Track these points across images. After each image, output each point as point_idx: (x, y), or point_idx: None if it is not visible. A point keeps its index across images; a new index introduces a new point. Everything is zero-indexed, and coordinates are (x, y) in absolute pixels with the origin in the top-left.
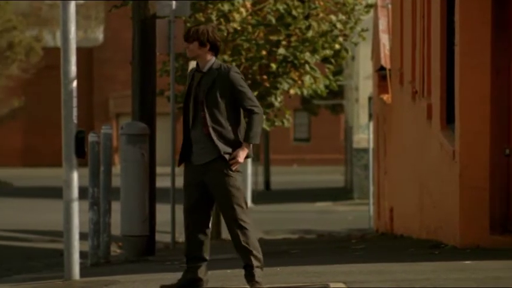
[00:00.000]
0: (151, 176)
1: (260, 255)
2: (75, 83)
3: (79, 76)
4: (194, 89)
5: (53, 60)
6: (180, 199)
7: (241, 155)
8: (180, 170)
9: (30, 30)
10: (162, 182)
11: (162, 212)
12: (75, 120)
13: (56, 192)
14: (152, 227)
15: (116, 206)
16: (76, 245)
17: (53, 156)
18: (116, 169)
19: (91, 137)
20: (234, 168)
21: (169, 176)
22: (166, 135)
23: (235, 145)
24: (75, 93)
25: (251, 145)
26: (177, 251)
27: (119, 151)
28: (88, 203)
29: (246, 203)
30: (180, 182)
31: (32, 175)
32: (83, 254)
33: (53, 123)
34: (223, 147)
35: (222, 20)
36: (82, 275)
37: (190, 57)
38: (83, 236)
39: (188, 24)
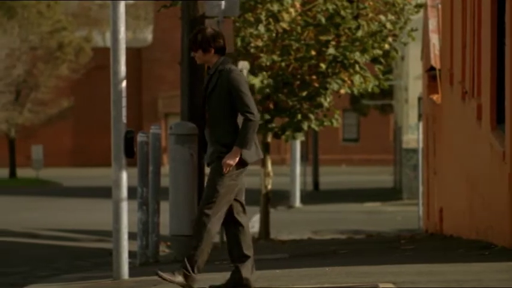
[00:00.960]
0: (200, 176)
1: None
2: (124, 83)
3: (128, 76)
4: (204, 90)
5: (102, 60)
6: None
7: (229, 158)
8: None
9: (79, 31)
10: None
11: None
12: (124, 120)
13: (105, 192)
14: None
15: (164, 206)
16: (125, 245)
17: (101, 156)
18: (165, 169)
19: (140, 137)
20: (224, 171)
21: None
22: None
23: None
24: (124, 93)
25: (244, 150)
26: (225, 250)
27: (167, 151)
28: (137, 203)
29: (213, 204)
30: None
31: (80, 175)
32: (131, 254)
33: (102, 123)
34: (220, 149)
35: (271, 20)
36: (131, 274)
37: (199, 63)
38: (131, 236)
39: (237, 24)
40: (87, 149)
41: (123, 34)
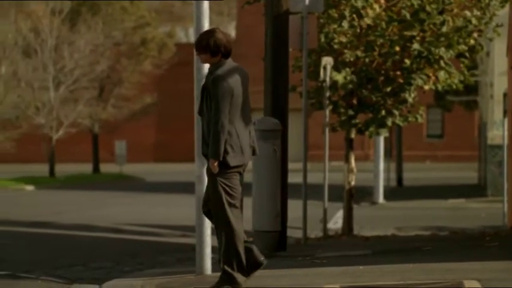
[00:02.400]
0: (283, 171)
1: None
2: None
3: None
4: (202, 89)
5: (185, 56)
6: (312, 195)
7: (211, 165)
8: (312, 166)
9: (163, 27)
10: (294, 178)
11: (294, 208)
12: None
13: (188, 188)
14: (284, 222)
15: (247, 202)
16: (208, 240)
17: (184, 151)
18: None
19: None
20: (214, 173)
21: (301, 171)
22: (298, 131)
23: None
24: None
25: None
26: (308, 246)
27: None
28: None
29: (223, 205)
30: (312, 178)
31: (163, 170)
32: (214, 249)
33: (185, 119)
34: (205, 149)
35: (355, 16)
36: (214, 269)
37: (202, 63)
38: (214, 231)
39: (321, 20)
40: (169, 145)
41: None
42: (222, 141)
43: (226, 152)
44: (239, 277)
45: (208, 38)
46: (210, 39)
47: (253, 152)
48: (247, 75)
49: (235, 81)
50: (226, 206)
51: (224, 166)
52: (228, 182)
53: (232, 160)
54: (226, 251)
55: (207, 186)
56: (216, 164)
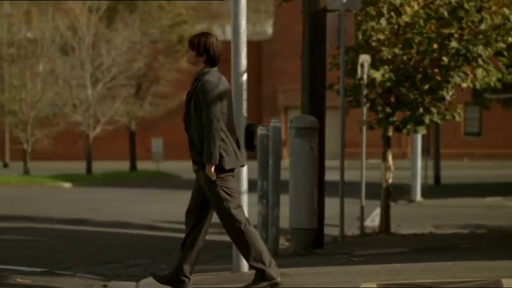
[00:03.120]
0: (320, 169)
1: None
2: (245, 77)
3: (248, 69)
4: (186, 96)
5: (222, 53)
6: (349, 192)
7: (207, 172)
8: (349, 164)
9: (200, 24)
10: (331, 176)
11: (331, 205)
12: (244, 114)
13: None
14: (321, 220)
15: (284, 199)
16: None
17: None
18: (285, 162)
19: (260, 130)
20: (212, 179)
21: (338, 169)
22: (335, 129)
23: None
24: (245, 87)
25: (223, 158)
26: (345, 244)
27: (287, 144)
28: (257, 196)
29: (228, 208)
30: (349, 175)
31: None
32: None
33: None
34: (196, 157)
35: (393, 13)
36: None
37: (187, 62)
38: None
39: (359, 18)
40: None
41: (244, 28)
42: (217, 145)
43: (220, 156)
44: (272, 271)
45: (200, 37)
46: (202, 39)
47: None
48: (230, 87)
49: (223, 87)
50: (231, 209)
51: (220, 170)
52: (227, 185)
53: (228, 163)
54: (247, 251)
55: (193, 193)
56: (213, 169)
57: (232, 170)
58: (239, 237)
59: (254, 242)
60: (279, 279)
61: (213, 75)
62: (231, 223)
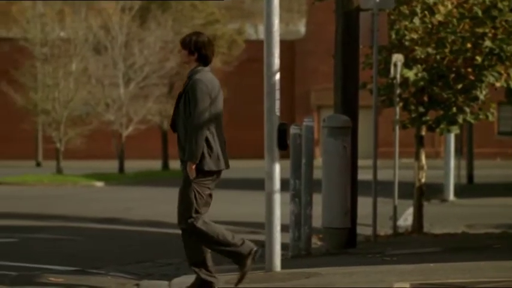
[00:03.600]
0: (353, 168)
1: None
2: (278, 76)
3: (281, 69)
4: (178, 94)
5: (255, 53)
6: (382, 192)
7: (188, 169)
8: (382, 163)
9: (232, 23)
10: (363, 175)
11: (364, 205)
12: (277, 113)
13: (257, 184)
14: (353, 219)
15: (316, 199)
16: (277, 237)
17: (253, 148)
18: (317, 162)
19: (293, 130)
20: (191, 177)
21: (370, 168)
22: (368, 128)
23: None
24: (277, 86)
25: (204, 159)
26: (378, 243)
27: (320, 144)
28: (289, 195)
29: (192, 207)
30: (382, 174)
31: (232, 167)
32: (283, 246)
33: (254, 116)
34: (181, 155)
35: (426, 12)
36: (283, 266)
37: (180, 61)
38: (283, 228)
39: (392, 17)
40: (239, 141)
41: (277, 27)
42: (201, 145)
43: (202, 156)
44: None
45: (192, 36)
46: (193, 37)
47: (228, 165)
48: (221, 88)
49: (214, 87)
50: (193, 212)
51: (199, 172)
52: (200, 190)
53: (207, 165)
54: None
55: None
56: (193, 167)
57: (212, 174)
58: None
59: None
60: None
61: (205, 74)
62: (185, 224)
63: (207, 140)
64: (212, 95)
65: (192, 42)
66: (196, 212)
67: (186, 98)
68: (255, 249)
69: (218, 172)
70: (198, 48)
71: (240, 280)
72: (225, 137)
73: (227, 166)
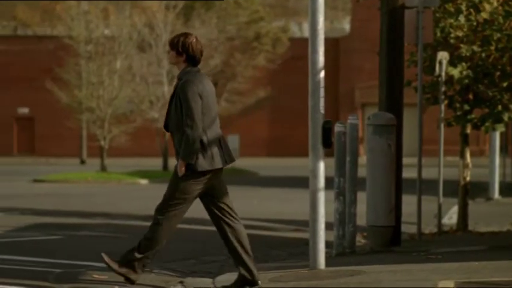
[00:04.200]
0: (398, 166)
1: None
2: (322, 74)
3: (325, 66)
4: (170, 96)
5: (299, 50)
6: (427, 190)
7: (178, 167)
8: (427, 161)
9: (276, 21)
10: (408, 173)
11: (408, 203)
12: (322, 111)
13: (301, 182)
14: (398, 217)
15: (361, 197)
16: (322, 235)
17: (297, 146)
18: (362, 159)
19: (337, 127)
20: (179, 175)
21: (415, 166)
22: (413, 126)
23: None
24: (322, 84)
25: (197, 159)
26: (422, 242)
27: (364, 141)
28: (334, 193)
29: (168, 202)
30: (427, 173)
31: (276, 165)
32: (327, 244)
33: (298, 114)
34: (176, 154)
35: (471, 10)
36: (327, 264)
37: (169, 62)
38: (328, 226)
39: (437, 15)
40: (283, 139)
41: (321, 25)
42: (196, 146)
43: (196, 157)
44: (133, 276)
45: (179, 37)
46: (181, 39)
47: (231, 160)
48: (213, 87)
49: (204, 86)
50: (172, 210)
51: (191, 171)
52: (188, 188)
53: (201, 166)
54: (150, 248)
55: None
56: (183, 168)
57: (204, 174)
58: (155, 234)
59: (152, 251)
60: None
61: (194, 75)
62: (161, 217)
63: (200, 141)
64: (203, 95)
65: (180, 43)
66: (175, 209)
67: (177, 99)
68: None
69: (214, 170)
70: (186, 49)
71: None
72: (221, 133)
73: (227, 162)
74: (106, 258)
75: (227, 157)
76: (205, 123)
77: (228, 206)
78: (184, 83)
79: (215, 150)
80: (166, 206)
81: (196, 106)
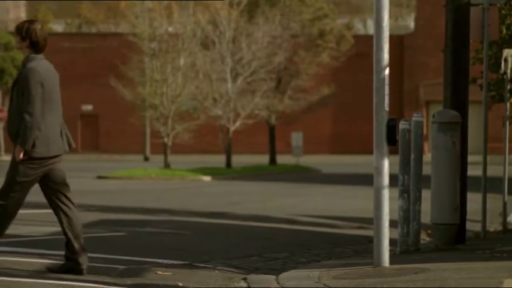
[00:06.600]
0: (463, 164)
1: None
2: (387, 71)
3: (390, 64)
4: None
5: (363, 47)
6: (492, 188)
7: (16, 152)
8: (492, 159)
9: (341, 18)
10: (473, 171)
11: (473, 200)
12: (386, 108)
13: (365, 179)
14: (463, 215)
15: (425, 194)
16: (386, 232)
17: (361, 143)
18: (426, 157)
19: (402, 125)
20: (17, 160)
21: (480, 164)
22: (478, 124)
23: None
24: (387, 81)
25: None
26: (487, 240)
27: (429, 139)
28: (398, 191)
29: (7, 186)
30: (491, 170)
31: (340, 162)
32: (392, 241)
33: (362, 111)
34: (12, 138)
35: None
36: (391, 261)
37: (16, 48)
38: (392, 223)
39: (503, 12)
40: (346, 136)
41: (386, 22)
42: (33, 133)
43: (33, 144)
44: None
45: (24, 23)
46: (25, 25)
47: (69, 146)
48: (57, 75)
49: (45, 74)
50: (11, 192)
51: (28, 157)
52: (27, 172)
53: (37, 153)
54: None
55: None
56: (22, 154)
57: (41, 160)
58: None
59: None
60: None
61: (38, 62)
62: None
63: (38, 128)
64: (45, 83)
65: (24, 29)
66: (14, 191)
67: (19, 86)
68: None
69: (51, 157)
70: (29, 35)
71: None
72: (62, 121)
73: (64, 151)
74: None
75: (66, 145)
76: (46, 111)
77: (64, 194)
78: (27, 71)
79: (54, 137)
80: (7, 190)
81: (37, 94)
